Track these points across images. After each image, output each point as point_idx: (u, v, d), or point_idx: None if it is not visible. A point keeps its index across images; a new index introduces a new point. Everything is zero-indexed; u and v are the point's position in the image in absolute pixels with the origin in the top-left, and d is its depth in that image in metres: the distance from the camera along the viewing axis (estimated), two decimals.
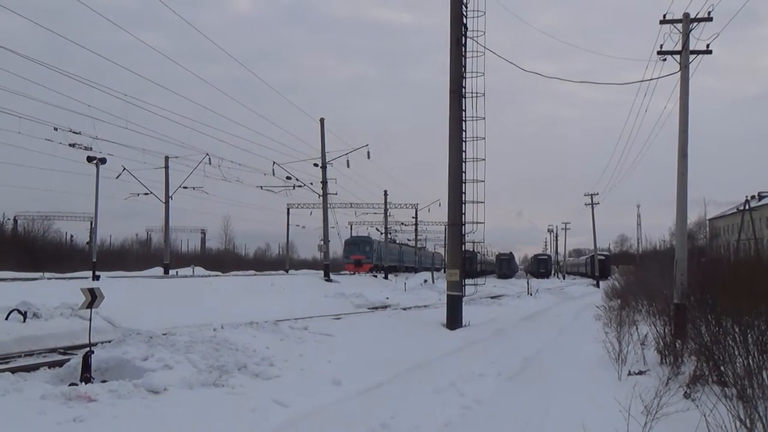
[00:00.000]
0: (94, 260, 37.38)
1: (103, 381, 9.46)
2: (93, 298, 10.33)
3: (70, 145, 32.21)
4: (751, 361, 8.30)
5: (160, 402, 8.49)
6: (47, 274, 33.72)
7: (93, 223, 52.46)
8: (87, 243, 74.63)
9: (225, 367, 10.38)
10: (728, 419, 6.12)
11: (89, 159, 34.51)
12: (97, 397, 8.26)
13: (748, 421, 6.10)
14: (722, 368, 9.03)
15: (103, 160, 34.97)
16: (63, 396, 8.21)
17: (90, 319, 10.68)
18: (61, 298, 16.46)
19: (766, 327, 8.56)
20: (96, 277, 30.52)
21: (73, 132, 31.44)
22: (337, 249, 64.41)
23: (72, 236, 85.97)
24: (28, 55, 22.93)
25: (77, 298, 11.69)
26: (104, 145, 34.30)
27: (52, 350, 13.55)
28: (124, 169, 40.70)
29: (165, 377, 9.42)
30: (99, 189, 35.94)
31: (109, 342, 11.56)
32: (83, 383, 9.31)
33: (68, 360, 10.95)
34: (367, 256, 66.44)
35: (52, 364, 11.34)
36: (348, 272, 59.87)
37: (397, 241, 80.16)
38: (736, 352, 8.79)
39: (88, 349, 10.11)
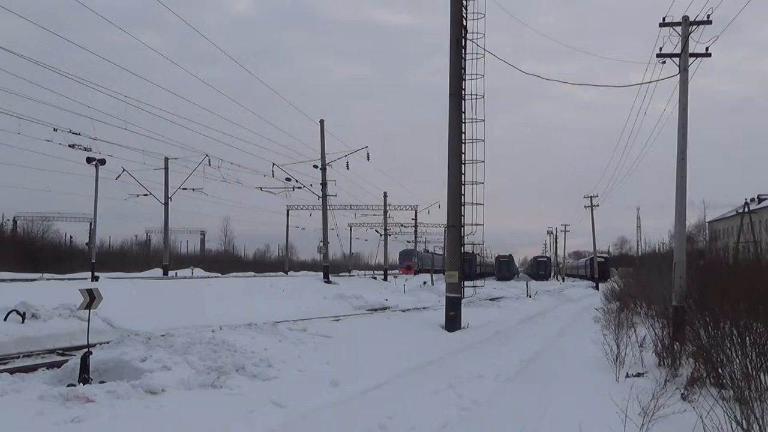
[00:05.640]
0: (93, 261, 37.49)
1: (101, 382, 9.47)
2: (91, 299, 10.34)
3: (69, 146, 32.23)
4: (748, 364, 8.34)
5: (158, 403, 8.49)
6: (46, 275, 33.75)
7: (92, 224, 52.55)
8: (86, 244, 74.72)
9: (223, 368, 10.38)
10: (725, 421, 6.13)
11: (89, 160, 34.66)
12: (95, 398, 8.27)
13: (744, 422, 6.11)
14: (720, 370, 9.03)
15: (102, 161, 35.11)
16: (61, 397, 8.21)
17: (88, 320, 10.68)
18: (60, 299, 16.46)
19: (764, 329, 8.59)
20: (95, 278, 30.55)
21: (73, 133, 31.50)
22: (336, 251, 65.14)
23: (71, 237, 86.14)
24: (28, 55, 22.94)
25: (76, 299, 11.71)
26: (104, 146, 34.38)
27: (51, 351, 13.57)
28: (124, 170, 40.67)
29: (163, 378, 9.43)
30: (98, 190, 36.19)
31: (108, 343, 11.58)
32: (81, 384, 9.33)
33: (66, 361, 10.97)
34: (413, 262, 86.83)
35: (50, 365, 11.36)
36: (403, 274, 77.30)
37: (429, 251, 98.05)
38: (734, 355, 8.81)
39: (86, 350, 10.11)
